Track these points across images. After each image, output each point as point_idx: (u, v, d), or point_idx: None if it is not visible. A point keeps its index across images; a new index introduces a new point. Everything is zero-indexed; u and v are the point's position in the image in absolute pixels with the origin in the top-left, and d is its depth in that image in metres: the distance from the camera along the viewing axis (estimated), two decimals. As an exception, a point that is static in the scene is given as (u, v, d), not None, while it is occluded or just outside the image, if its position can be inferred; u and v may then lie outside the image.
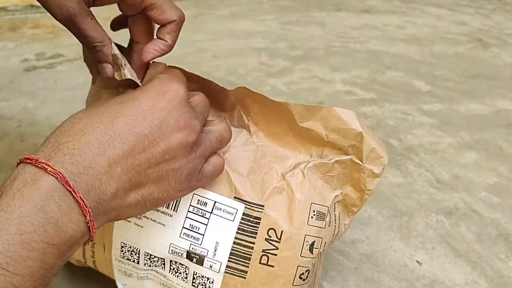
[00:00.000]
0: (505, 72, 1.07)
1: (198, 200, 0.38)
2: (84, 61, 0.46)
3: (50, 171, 0.26)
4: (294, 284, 0.39)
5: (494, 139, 0.77)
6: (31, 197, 0.26)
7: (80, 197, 0.27)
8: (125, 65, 0.37)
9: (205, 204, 0.38)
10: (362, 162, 0.40)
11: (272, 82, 0.96)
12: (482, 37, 1.32)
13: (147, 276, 0.42)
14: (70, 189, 0.27)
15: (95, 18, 0.37)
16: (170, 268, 0.40)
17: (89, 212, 0.27)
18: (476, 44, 1.26)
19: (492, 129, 0.80)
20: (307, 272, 0.40)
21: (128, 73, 0.37)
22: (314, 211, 0.40)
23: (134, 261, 0.41)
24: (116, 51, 0.37)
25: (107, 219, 0.30)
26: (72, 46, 1.19)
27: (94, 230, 0.28)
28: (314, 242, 0.39)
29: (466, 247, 0.53)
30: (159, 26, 0.39)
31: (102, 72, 0.38)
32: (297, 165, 0.40)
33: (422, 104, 0.89)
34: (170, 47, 0.40)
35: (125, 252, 0.41)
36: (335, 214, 0.42)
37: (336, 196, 0.41)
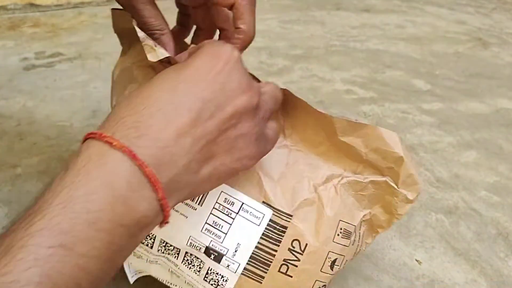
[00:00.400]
0: (505, 71, 1.07)
1: (226, 198, 0.38)
2: (114, 31, 0.44)
3: (115, 145, 0.24)
4: None
5: (494, 138, 0.76)
6: (97, 174, 0.24)
7: (151, 171, 0.25)
8: (156, 46, 0.35)
9: (232, 203, 0.38)
10: (397, 186, 0.39)
11: (272, 81, 0.96)
12: (482, 36, 1.32)
13: (157, 261, 0.42)
14: (138, 163, 0.24)
15: (156, 6, 0.37)
16: (184, 259, 0.40)
17: (161, 188, 0.25)
18: (476, 43, 1.26)
19: (492, 128, 0.80)
20: (324, 287, 0.40)
21: (164, 51, 0.35)
22: (341, 229, 0.39)
23: (147, 245, 0.40)
24: (141, 33, 0.36)
25: (180, 197, 0.28)
26: (71, 44, 1.18)
27: (168, 209, 0.26)
28: (336, 259, 0.39)
29: (465, 246, 0.53)
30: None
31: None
32: (330, 178, 0.40)
33: (422, 103, 0.89)
34: (247, 34, 0.36)
35: None
36: (359, 232, 0.41)
37: (364, 215, 0.41)
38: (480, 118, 0.83)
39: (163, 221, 0.27)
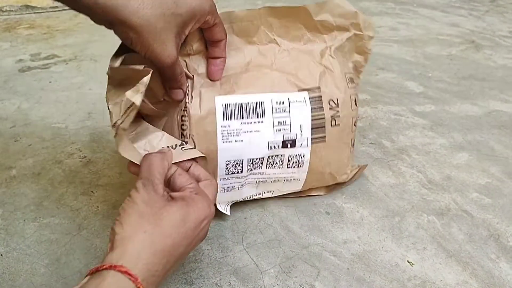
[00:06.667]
0: (497, 74, 1.07)
1: (276, 101, 0.50)
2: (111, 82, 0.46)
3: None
4: (352, 131, 0.56)
5: (485, 140, 0.77)
6: None
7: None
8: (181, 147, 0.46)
9: (282, 102, 0.50)
10: (362, 32, 0.56)
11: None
12: (474, 38, 1.33)
13: (245, 182, 0.53)
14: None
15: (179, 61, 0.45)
16: (267, 163, 0.52)
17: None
18: (469, 45, 1.27)
19: (484, 130, 0.80)
20: (356, 119, 0.57)
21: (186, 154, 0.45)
22: (348, 79, 0.55)
23: (238, 172, 0.51)
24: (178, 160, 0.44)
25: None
26: (67, 46, 1.19)
27: None
28: (355, 98, 0.56)
29: (457, 247, 0.53)
30: (211, 46, 0.48)
31: (173, 95, 0.47)
32: (323, 52, 0.55)
33: (414, 105, 0.90)
34: (225, 60, 0.49)
35: (230, 167, 0.50)
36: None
37: (351, 64, 0.58)
38: (472, 120, 0.84)
39: None
